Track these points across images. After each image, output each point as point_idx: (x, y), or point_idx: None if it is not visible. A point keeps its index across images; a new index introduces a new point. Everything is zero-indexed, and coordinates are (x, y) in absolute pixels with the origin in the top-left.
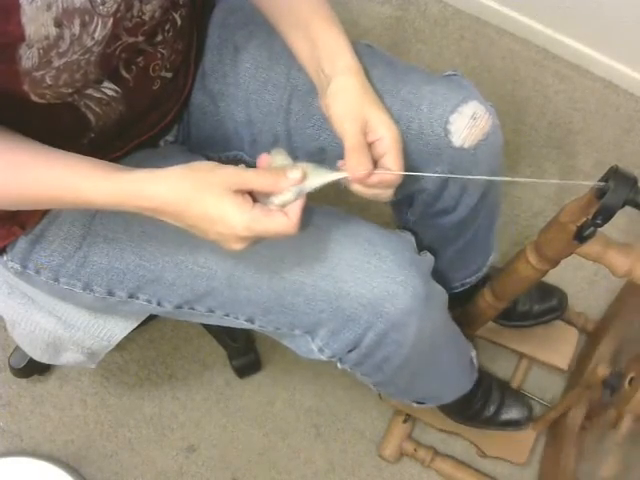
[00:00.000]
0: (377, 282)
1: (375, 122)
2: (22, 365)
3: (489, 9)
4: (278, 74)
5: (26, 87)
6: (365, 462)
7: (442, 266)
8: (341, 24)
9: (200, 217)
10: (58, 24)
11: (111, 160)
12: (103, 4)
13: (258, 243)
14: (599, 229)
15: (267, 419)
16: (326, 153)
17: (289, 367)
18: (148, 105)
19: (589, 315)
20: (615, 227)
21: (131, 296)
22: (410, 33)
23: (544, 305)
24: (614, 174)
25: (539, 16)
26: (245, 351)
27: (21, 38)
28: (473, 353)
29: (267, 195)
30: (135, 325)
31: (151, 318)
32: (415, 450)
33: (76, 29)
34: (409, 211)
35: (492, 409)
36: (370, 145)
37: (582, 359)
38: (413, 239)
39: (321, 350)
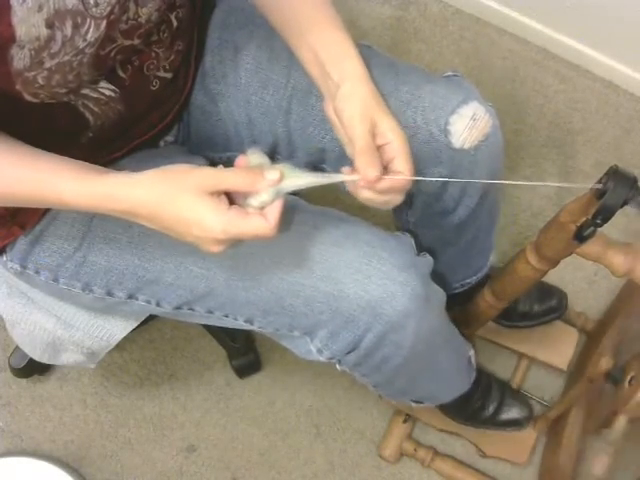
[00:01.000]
0: (376, 284)
1: (384, 126)
2: (22, 365)
3: (489, 9)
4: (278, 75)
5: (19, 87)
6: (365, 462)
7: (442, 267)
8: (345, 27)
9: (174, 220)
10: (49, 25)
11: (111, 160)
12: (96, 6)
13: (236, 245)
14: (599, 229)
15: (267, 419)
16: (326, 154)
17: (289, 367)
18: (148, 105)
19: (589, 315)
20: (615, 227)
21: (130, 297)
22: (410, 33)
23: (544, 305)
24: (614, 174)
25: (539, 16)
26: (245, 351)
27: (12, 39)
28: (471, 353)
29: (244, 195)
30: (135, 325)
31: (151, 318)
32: (415, 450)
33: (68, 30)
34: (409, 212)
35: (492, 409)
36: (378, 150)
37: (582, 359)
38: (412, 241)
39: (320, 351)
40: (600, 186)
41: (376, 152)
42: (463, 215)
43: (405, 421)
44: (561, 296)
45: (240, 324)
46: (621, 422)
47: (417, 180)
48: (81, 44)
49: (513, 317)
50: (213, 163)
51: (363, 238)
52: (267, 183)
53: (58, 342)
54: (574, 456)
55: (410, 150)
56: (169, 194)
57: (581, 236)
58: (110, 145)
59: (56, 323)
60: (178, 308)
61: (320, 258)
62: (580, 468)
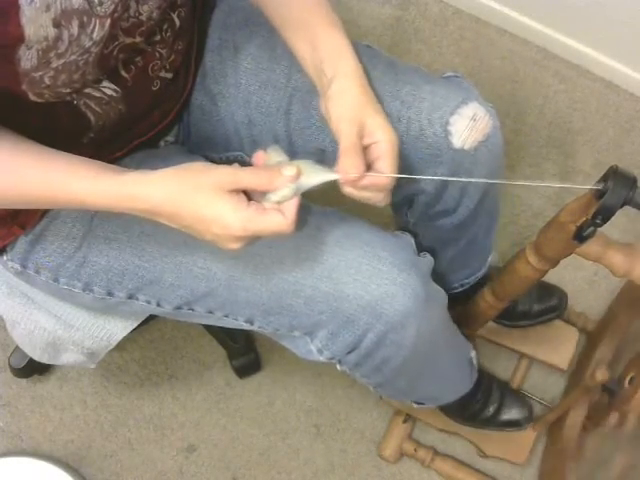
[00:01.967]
0: (376, 283)
1: (372, 125)
2: (22, 365)
3: (489, 9)
4: (278, 75)
5: (24, 87)
6: (365, 462)
7: (442, 267)
8: (343, 26)
9: (194, 218)
10: (57, 25)
11: (111, 160)
12: (100, 5)
13: (255, 242)
14: (599, 229)
15: (267, 419)
16: (326, 154)
17: (289, 367)
18: (148, 105)
19: (589, 315)
20: (615, 227)
21: (130, 297)
22: (410, 33)
23: (544, 305)
24: (614, 174)
25: (539, 16)
26: (245, 351)
27: (20, 39)
28: (473, 353)
29: (262, 193)
30: (135, 325)
31: (151, 318)
32: (415, 450)
33: (74, 30)
34: (409, 213)
35: (492, 409)
36: (366, 148)
37: (582, 359)
38: (412, 240)
39: (320, 351)
40: (600, 186)
41: (359, 152)
42: (463, 215)
43: (405, 421)
44: (561, 295)
45: (240, 324)
46: (632, 421)
47: (416, 181)
48: (87, 43)
49: (513, 317)
50: (213, 163)
51: (363, 238)
52: (285, 180)
53: (58, 342)
54: (574, 456)
55: (397, 151)
56: (188, 193)
57: (581, 236)
58: (111, 145)
59: (56, 323)
60: (178, 308)
61: (320, 258)
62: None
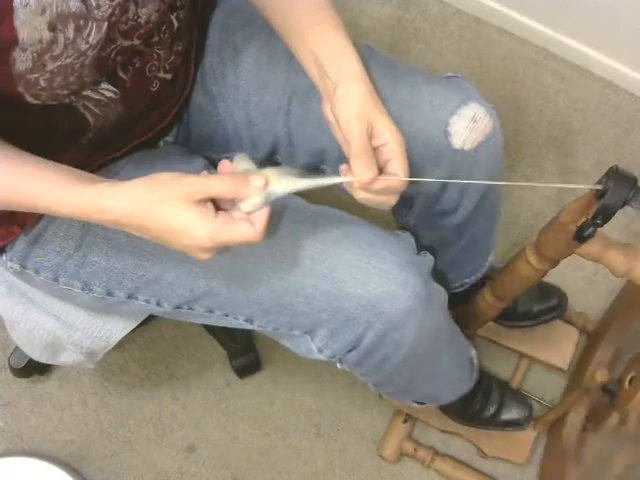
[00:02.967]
0: (376, 282)
1: (380, 127)
2: (22, 365)
3: (489, 9)
4: (278, 75)
5: (20, 89)
6: (365, 462)
7: (442, 267)
8: (345, 28)
9: (162, 230)
10: (52, 28)
11: (110, 160)
12: (98, 8)
13: (225, 252)
14: (599, 229)
15: (267, 419)
16: (326, 154)
17: (289, 367)
18: (147, 106)
19: (589, 315)
20: (615, 227)
21: (130, 296)
22: (410, 33)
23: (544, 305)
24: (614, 174)
25: (539, 16)
26: (245, 351)
27: (14, 41)
28: (473, 353)
29: (231, 201)
30: (134, 325)
31: (151, 318)
32: (415, 450)
33: (70, 33)
34: (409, 213)
35: (492, 409)
36: (375, 151)
37: (582, 359)
38: (412, 239)
39: (320, 350)
40: (600, 186)
41: (372, 154)
42: (463, 216)
43: (405, 421)
44: (561, 296)
45: (240, 323)
46: (633, 421)
47: (416, 182)
48: (83, 47)
49: (513, 317)
50: (213, 163)
51: (363, 237)
52: (253, 189)
53: (57, 342)
54: (575, 456)
55: (406, 152)
56: (155, 204)
57: (581, 236)
58: (109, 146)
59: (55, 323)
60: (178, 307)
61: (320, 257)
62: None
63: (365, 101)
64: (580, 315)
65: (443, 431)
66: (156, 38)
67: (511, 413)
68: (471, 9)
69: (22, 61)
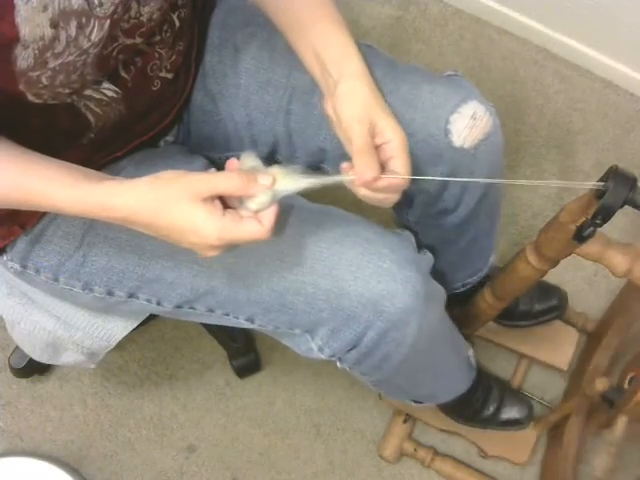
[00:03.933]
0: (377, 281)
1: (383, 125)
2: (22, 365)
3: (489, 9)
4: (278, 75)
5: (22, 87)
6: (365, 462)
7: (443, 266)
8: (347, 26)
9: (170, 227)
10: (54, 25)
11: (111, 160)
12: (100, 6)
13: (233, 250)
14: (599, 229)
15: (267, 419)
16: (326, 153)
17: (289, 367)
18: (148, 105)
19: (589, 315)
20: (615, 227)
21: (131, 296)
22: (410, 33)
23: (544, 304)
24: (614, 174)
25: (539, 16)
26: (245, 351)
27: (16, 38)
28: (470, 352)
29: (238, 198)
30: (135, 325)
31: (151, 318)
32: (415, 450)
33: (72, 31)
34: (409, 212)
35: (492, 409)
36: (377, 149)
37: (582, 359)
38: (413, 238)
39: (321, 349)
40: (600, 186)
41: (374, 152)
42: (463, 214)
43: (405, 421)
44: (561, 295)
45: (241, 322)
46: (621, 423)
47: (416, 180)
48: (85, 44)
49: (513, 317)
50: (213, 163)
51: (364, 235)
52: (261, 188)
53: (58, 342)
54: (575, 456)
55: (408, 150)
56: (163, 202)
57: (581, 236)
58: (110, 145)
59: (56, 323)
60: (179, 307)
61: (321, 256)
62: (581, 469)
63: (367, 99)
64: (580, 315)
65: (443, 431)
66: (158, 37)
67: (511, 412)
68: (471, 9)
69: (24, 58)
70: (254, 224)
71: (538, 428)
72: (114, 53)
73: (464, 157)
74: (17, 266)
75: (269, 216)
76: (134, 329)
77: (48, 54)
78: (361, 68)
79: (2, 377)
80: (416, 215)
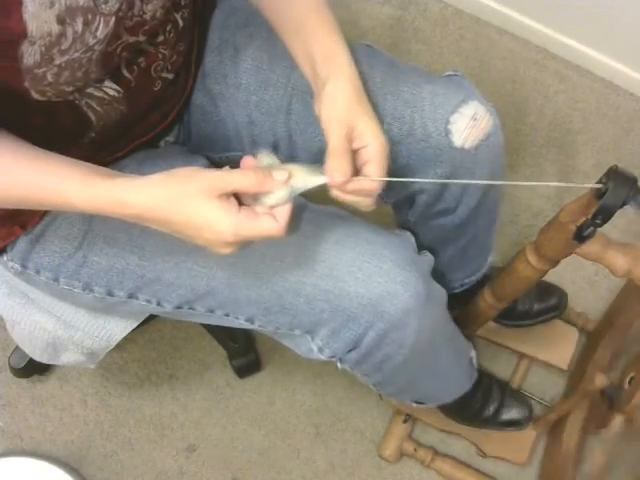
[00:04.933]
0: (377, 282)
1: (362, 129)
2: (22, 365)
3: (489, 9)
4: (279, 75)
5: (27, 84)
6: (365, 462)
7: (442, 266)
8: (339, 27)
9: (185, 224)
10: (61, 21)
11: (112, 160)
12: (106, 3)
13: (248, 246)
14: (599, 229)
15: (267, 419)
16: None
17: (289, 367)
18: (149, 105)
19: (589, 315)
20: (615, 227)
21: (131, 296)
22: (410, 33)
23: (544, 304)
24: (614, 174)
25: (539, 16)
26: (245, 351)
27: (23, 35)
28: (473, 353)
29: (253, 196)
30: (135, 325)
31: (151, 318)
32: (415, 450)
33: (79, 27)
34: (409, 212)
35: (492, 409)
36: (355, 152)
37: (582, 359)
38: (413, 239)
39: (321, 350)
40: (600, 186)
41: (347, 155)
42: (464, 214)
43: (405, 421)
44: (561, 295)
45: (241, 323)
46: (617, 422)
47: (417, 181)
48: (91, 41)
49: (513, 316)
50: (214, 163)
51: (364, 236)
52: (276, 183)
53: (58, 342)
54: (574, 456)
55: (386, 157)
56: (178, 199)
57: (581, 236)
58: (111, 145)
59: (56, 323)
60: (179, 307)
61: (321, 256)
62: (579, 468)
63: (349, 101)
64: (580, 315)
65: (443, 431)
66: (161, 37)
67: (511, 413)
68: (471, 9)
69: (30, 55)
70: (269, 221)
71: (537, 428)
72: (118, 51)
73: (464, 157)
74: (17, 266)
75: (284, 213)
76: (134, 329)
77: (54, 50)
78: (348, 69)
79: (2, 377)
80: (416, 215)
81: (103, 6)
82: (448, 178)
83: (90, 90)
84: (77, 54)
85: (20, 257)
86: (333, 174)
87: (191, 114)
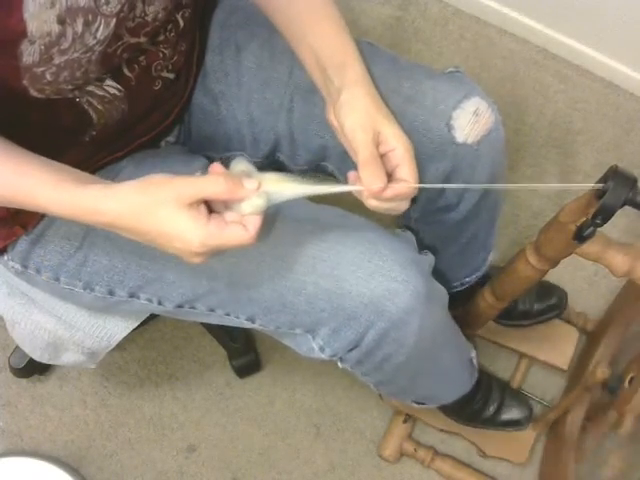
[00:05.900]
0: (378, 281)
1: (387, 134)
2: (22, 365)
3: (489, 9)
4: (280, 73)
5: (25, 82)
6: (365, 462)
7: (442, 265)
8: (348, 30)
9: (155, 233)
10: (61, 22)
11: (112, 160)
12: (107, 4)
13: (217, 255)
14: (599, 229)
15: (267, 419)
16: (328, 150)
17: (289, 367)
18: (150, 105)
19: (589, 315)
20: (615, 227)
21: (132, 295)
22: (410, 33)
23: (544, 303)
24: (614, 174)
25: (539, 16)
26: (245, 351)
27: (23, 34)
28: (473, 353)
29: (224, 203)
30: (135, 325)
31: (151, 318)
32: (415, 450)
33: (79, 28)
34: (411, 208)
35: (492, 409)
36: (382, 157)
37: (582, 359)
38: (414, 238)
39: (322, 349)
40: (600, 186)
41: (380, 162)
42: (465, 211)
43: (405, 421)
44: (561, 294)
45: (241, 322)
46: (628, 422)
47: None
48: (91, 42)
49: (513, 316)
50: (213, 163)
51: (365, 236)
52: (246, 192)
53: (58, 342)
54: (574, 456)
55: (414, 156)
56: (148, 207)
57: (581, 236)
58: (112, 144)
59: (57, 323)
60: (180, 306)
61: (322, 256)
62: (587, 470)
63: (370, 108)
64: (580, 315)
65: (443, 431)
66: (162, 37)
67: (511, 413)
68: (471, 9)
69: (29, 54)
70: (239, 229)
71: (537, 428)
72: (118, 51)
73: (467, 153)
74: (18, 266)
75: (254, 222)
76: (134, 329)
77: (54, 50)
78: (362, 75)
79: (2, 377)
80: (418, 212)
81: (104, 7)
82: (450, 174)
83: (91, 88)
84: (77, 54)
85: (21, 257)
86: (370, 183)
87: (192, 114)
